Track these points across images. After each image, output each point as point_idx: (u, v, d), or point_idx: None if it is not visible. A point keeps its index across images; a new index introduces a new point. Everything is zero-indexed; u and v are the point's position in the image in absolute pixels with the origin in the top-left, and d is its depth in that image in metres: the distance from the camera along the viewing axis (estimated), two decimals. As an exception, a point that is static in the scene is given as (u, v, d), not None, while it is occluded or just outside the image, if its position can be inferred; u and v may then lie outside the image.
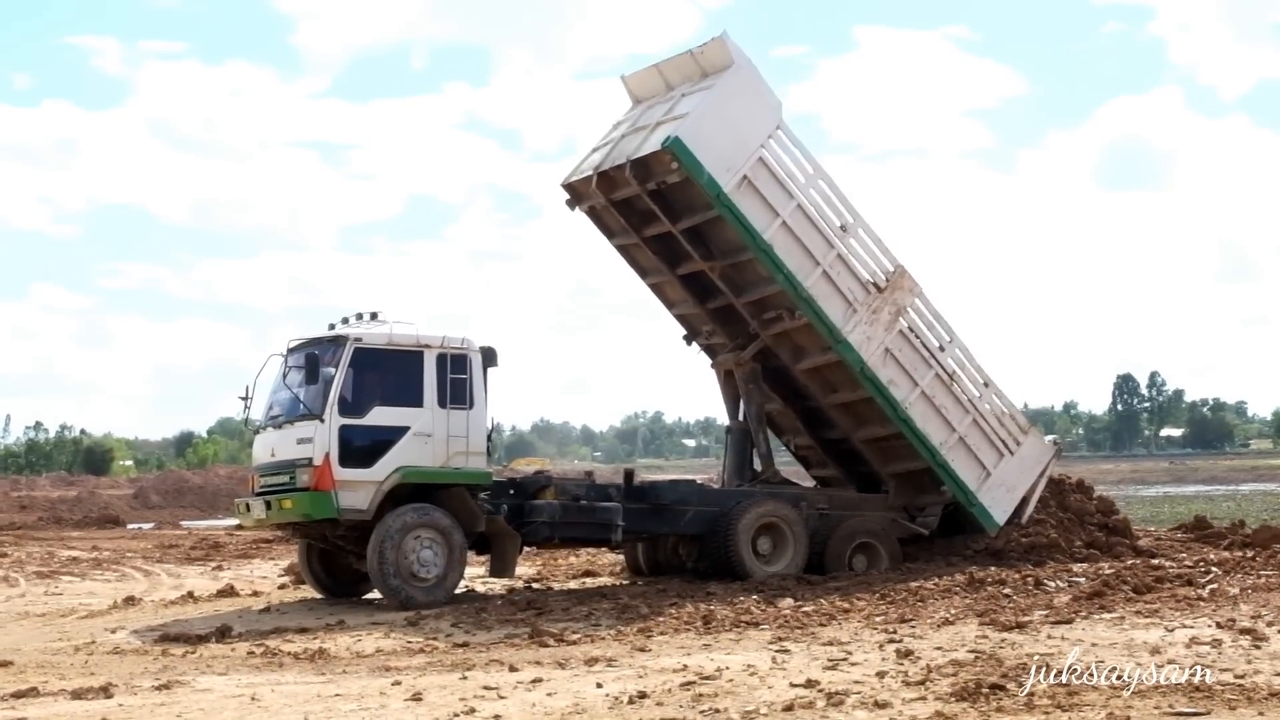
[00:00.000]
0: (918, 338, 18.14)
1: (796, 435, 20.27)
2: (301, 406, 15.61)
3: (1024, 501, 18.77)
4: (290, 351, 16.01)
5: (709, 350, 19.44)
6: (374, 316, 16.30)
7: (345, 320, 16.30)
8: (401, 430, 15.70)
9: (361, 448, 15.53)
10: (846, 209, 17.75)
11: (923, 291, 18.14)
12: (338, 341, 15.76)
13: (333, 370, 15.51)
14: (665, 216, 17.66)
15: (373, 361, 15.83)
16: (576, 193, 18.37)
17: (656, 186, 17.27)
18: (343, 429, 15.42)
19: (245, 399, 16.26)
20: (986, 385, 18.67)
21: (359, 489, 15.41)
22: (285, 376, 15.93)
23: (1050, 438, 20.30)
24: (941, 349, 18.32)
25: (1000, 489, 18.55)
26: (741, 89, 17.22)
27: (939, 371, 18.15)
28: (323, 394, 15.45)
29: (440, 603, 15.38)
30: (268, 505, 15.82)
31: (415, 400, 15.84)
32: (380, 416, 15.70)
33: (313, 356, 15.59)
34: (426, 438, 15.77)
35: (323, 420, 15.32)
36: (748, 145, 17.02)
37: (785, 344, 18.38)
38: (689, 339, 19.59)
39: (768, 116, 17.30)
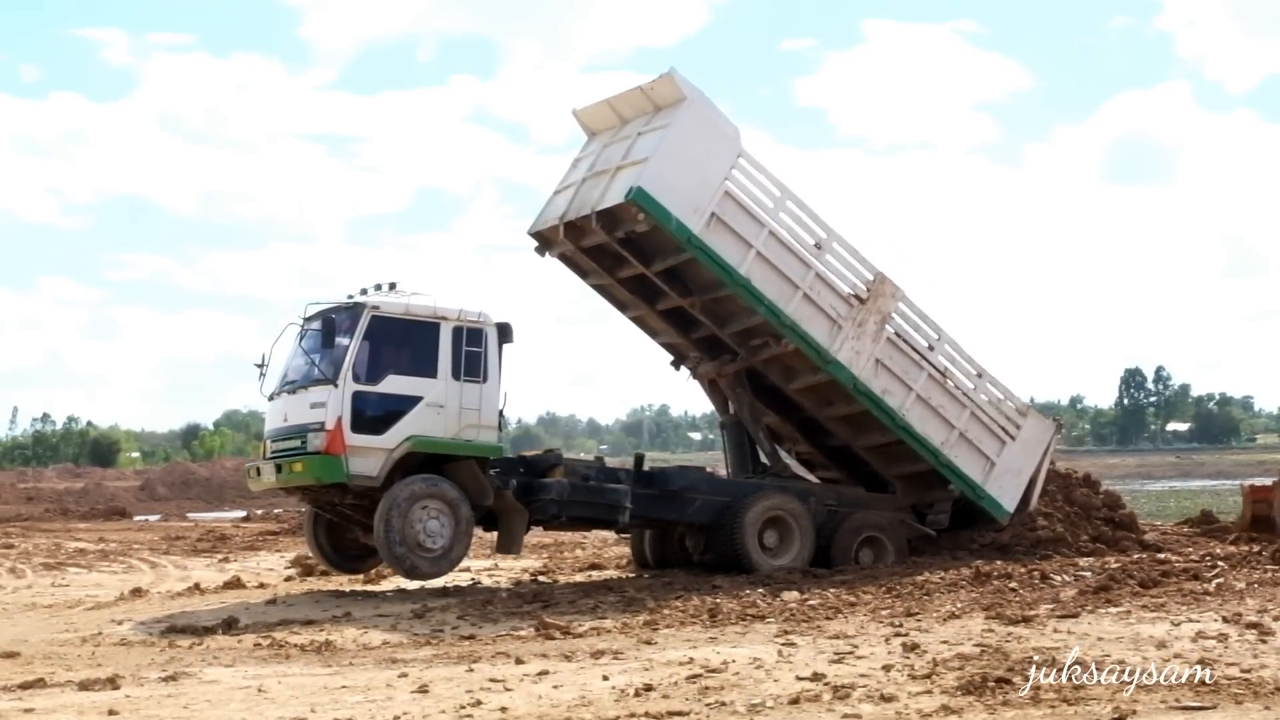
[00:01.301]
0: (906, 342, 18.02)
1: (796, 443, 20.13)
2: (316, 371, 15.68)
3: (1031, 484, 18.73)
4: (308, 318, 16.11)
5: (694, 370, 19.28)
6: (392, 287, 16.35)
7: (364, 290, 16.34)
8: (414, 400, 15.74)
9: (374, 415, 15.60)
10: (819, 225, 17.54)
11: (905, 294, 17.98)
12: (355, 309, 15.83)
13: (348, 337, 15.57)
14: (638, 261, 17.48)
15: (389, 330, 15.90)
16: (545, 240, 18.07)
17: (625, 235, 17.06)
18: (356, 395, 15.48)
19: (261, 366, 16.37)
20: (980, 376, 18.59)
21: (369, 455, 15.47)
22: (302, 341, 16.02)
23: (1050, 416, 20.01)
24: (931, 348, 18.23)
25: (1006, 476, 18.52)
26: (697, 124, 16.89)
27: (931, 372, 18.07)
28: (338, 360, 15.51)
29: (444, 574, 15.45)
30: (278, 468, 15.90)
31: (429, 371, 15.89)
32: (394, 385, 15.74)
33: (329, 322, 15.66)
34: (439, 408, 15.80)
35: (336, 385, 15.38)
36: (711, 182, 16.75)
37: (775, 367, 18.21)
38: (676, 364, 19.48)
39: (727, 148, 17.01)
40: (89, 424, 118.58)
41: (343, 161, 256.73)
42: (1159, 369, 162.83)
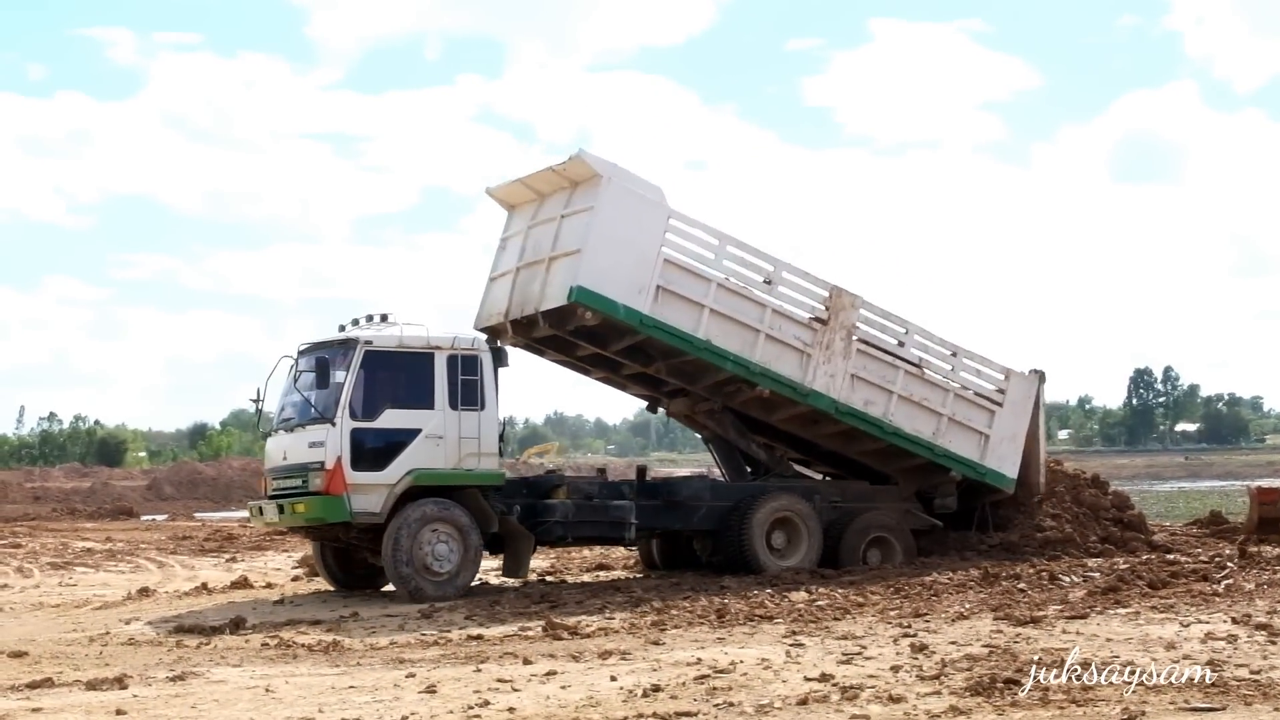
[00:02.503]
0: (876, 346, 17.87)
1: (788, 454, 19.97)
2: (313, 410, 15.58)
3: (1033, 441, 18.63)
4: (301, 354, 16.03)
5: (668, 410, 19.24)
6: (384, 318, 16.23)
7: (355, 322, 16.26)
8: (413, 433, 15.66)
9: (373, 450, 15.50)
10: (763, 260, 17.32)
11: (864, 299, 17.76)
12: (348, 344, 15.72)
13: (343, 373, 15.48)
14: (594, 345, 17.35)
15: (383, 364, 15.79)
16: (495, 333, 17.59)
17: (576, 328, 16.86)
18: (354, 432, 15.38)
19: (256, 401, 16.23)
20: (955, 355, 18.46)
21: (371, 492, 15.38)
22: (296, 380, 15.94)
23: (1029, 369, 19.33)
24: (901, 344, 18.09)
25: (1003, 445, 18.44)
26: (620, 201, 16.45)
27: (907, 368, 17.94)
28: (334, 397, 15.42)
29: (448, 599, 15.36)
30: (280, 509, 15.80)
31: (426, 402, 15.79)
32: (392, 419, 15.65)
33: (323, 360, 15.52)
34: (438, 440, 15.71)
35: (334, 424, 15.28)
36: (648, 256, 16.42)
37: (754, 405, 17.99)
38: (652, 408, 19.45)
39: (656, 216, 16.65)
40: (96, 423, 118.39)
41: (348, 161, 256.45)
42: (1167, 369, 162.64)
